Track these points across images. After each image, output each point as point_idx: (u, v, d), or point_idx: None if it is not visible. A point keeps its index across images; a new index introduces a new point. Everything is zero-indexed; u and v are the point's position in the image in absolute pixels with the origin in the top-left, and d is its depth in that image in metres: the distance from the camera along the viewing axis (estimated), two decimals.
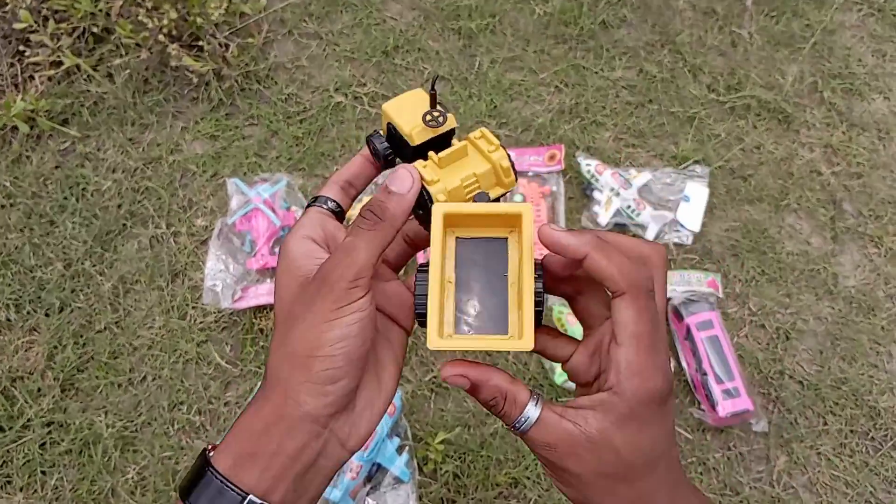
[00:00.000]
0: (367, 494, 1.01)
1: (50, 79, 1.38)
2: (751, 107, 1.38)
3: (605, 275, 0.37)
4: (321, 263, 0.39)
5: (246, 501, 0.36)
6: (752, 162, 1.32)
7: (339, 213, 0.44)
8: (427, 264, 0.40)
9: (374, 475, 1.01)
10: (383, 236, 0.39)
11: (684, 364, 1.11)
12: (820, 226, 1.26)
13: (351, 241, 0.38)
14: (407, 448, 1.03)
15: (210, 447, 0.39)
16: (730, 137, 1.35)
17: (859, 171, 1.31)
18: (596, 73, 1.42)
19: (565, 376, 1.07)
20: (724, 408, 1.03)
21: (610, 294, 0.38)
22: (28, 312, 1.16)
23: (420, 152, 0.43)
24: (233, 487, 0.36)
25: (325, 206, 0.44)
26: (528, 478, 1.04)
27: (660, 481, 0.38)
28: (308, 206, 0.44)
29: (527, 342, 0.38)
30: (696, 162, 1.30)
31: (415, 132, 0.43)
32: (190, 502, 0.36)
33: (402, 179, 0.40)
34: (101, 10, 1.38)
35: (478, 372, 0.39)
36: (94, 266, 1.20)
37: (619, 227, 1.24)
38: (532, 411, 0.38)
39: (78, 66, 1.38)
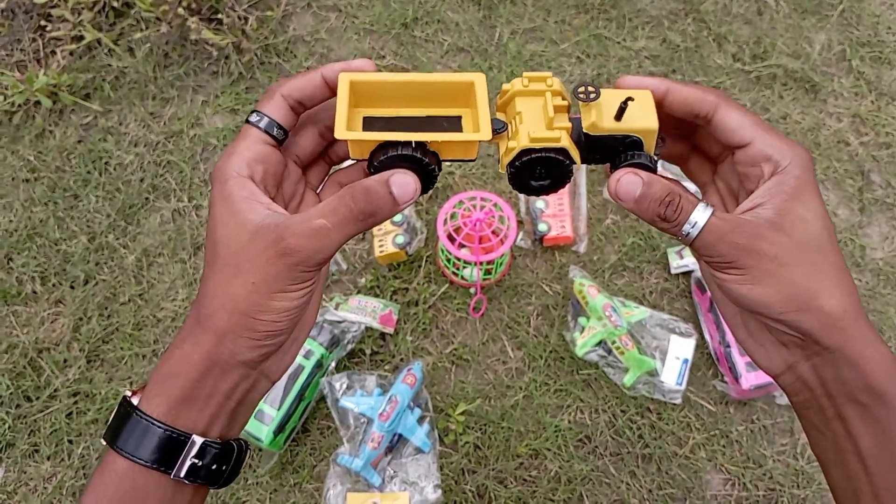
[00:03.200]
0: (388, 464, 1.01)
1: (72, 53, 1.39)
2: (777, 76, 1.35)
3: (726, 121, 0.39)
4: (284, 227, 0.37)
5: (189, 442, 0.38)
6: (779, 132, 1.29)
7: (283, 140, 0.41)
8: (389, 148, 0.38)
9: (395, 445, 1.02)
10: (360, 230, 0.38)
11: (707, 337, 1.10)
12: (847, 197, 1.23)
13: (327, 227, 0.37)
14: (427, 419, 1.03)
15: (131, 393, 0.40)
16: (755, 107, 1.32)
17: (888, 140, 1.28)
18: (618, 42, 1.39)
19: (587, 348, 1.07)
20: (748, 380, 1.02)
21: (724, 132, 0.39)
22: (53, 285, 1.17)
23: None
24: (174, 430, 0.38)
25: (267, 132, 0.40)
26: (549, 449, 1.04)
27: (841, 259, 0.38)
28: (247, 121, 0.41)
29: (484, 132, 0.38)
30: None
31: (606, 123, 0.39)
32: (123, 449, 0.38)
33: (408, 187, 0.38)
34: None
35: (647, 174, 0.38)
36: (117, 239, 1.21)
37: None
38: (703, 212, 0.36)
39: (99, 41, 1.38)
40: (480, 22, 1.42)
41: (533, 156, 0.39)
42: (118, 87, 1.36)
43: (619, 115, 0.38)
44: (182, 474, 0.38)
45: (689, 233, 0.37)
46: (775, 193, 0.37)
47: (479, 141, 0.39)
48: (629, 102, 0.38)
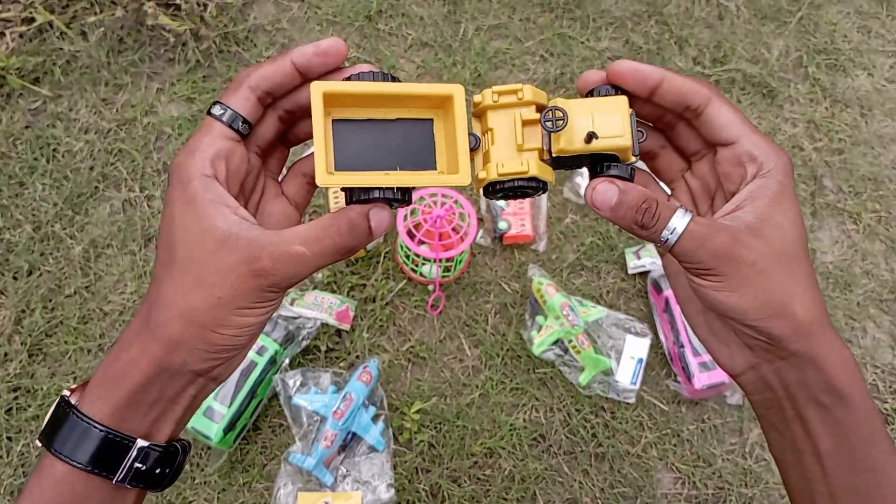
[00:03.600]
0: (341, 463, 1.00)
1: (21, 35, 1.34)
2: (736, 80, 1.37)
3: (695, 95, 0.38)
4: (259, 246, 0.35)
5: (133, 446, 0.37)
6: None
7: (247, 134, 0.39)
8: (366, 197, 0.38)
9: (349, 444, 1.00)
10: (336, 261, 0.37)
11: (662, 337, 1.11)
12: (800, 201, 1.26)
13: (306, 255, 0.36)
14: (382, 417, 1.02)
15: (69, 392, 0.38)
16: None
17: (841, 147, 1.31)
18: (582, 42, 1.40)
19: (543, 347, 1.07)
20: (700, 380, 1.03)
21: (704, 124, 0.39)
22: None
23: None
24: (116, 434, 0.36)
25: (231, 125, 0.38)
26: (504, 448, 1.04)
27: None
28: (209, 112, 0.38)
29: (463, 176, 0.38)
30: None
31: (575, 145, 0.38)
32: (61, 451, 0.36)
33: (383, 222, 0.38)
34: None
35: (623, 182, 0.38)
36: (64, 229, 1.17)
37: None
38: (682, 218, 0.36)
39: (51, 23, 1.33)
40: (445, 17, 1.41)
41: (505, 184, 0.39)
42: (69, 72, 1.31)
43: (588, 139, 0.38)
44: (123, 479, 0.37)
45: (667, 239, 0.36)
46: (757, 197, 0.37)
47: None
48: (601, 112, 0.38)
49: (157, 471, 0.38)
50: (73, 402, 0.37)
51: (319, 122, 0.36)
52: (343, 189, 0.38)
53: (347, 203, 0.38)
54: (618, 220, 0.38)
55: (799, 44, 1.42)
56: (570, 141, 0.38)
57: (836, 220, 1.25)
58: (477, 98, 0.41)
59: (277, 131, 0.41)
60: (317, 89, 0.36)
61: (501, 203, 1.17)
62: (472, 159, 0.40)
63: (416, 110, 0.40)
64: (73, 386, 0.38)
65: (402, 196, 0.38)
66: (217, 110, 0.38)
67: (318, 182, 0.36)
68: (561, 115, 0.37)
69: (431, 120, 0.40)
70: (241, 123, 0.38)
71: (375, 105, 0.39)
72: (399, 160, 0.39)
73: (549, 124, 0.38)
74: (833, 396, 0.37)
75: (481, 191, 0.41)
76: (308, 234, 0.36)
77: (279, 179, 0.44)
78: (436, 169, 0.40)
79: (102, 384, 0.37)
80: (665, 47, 1.40)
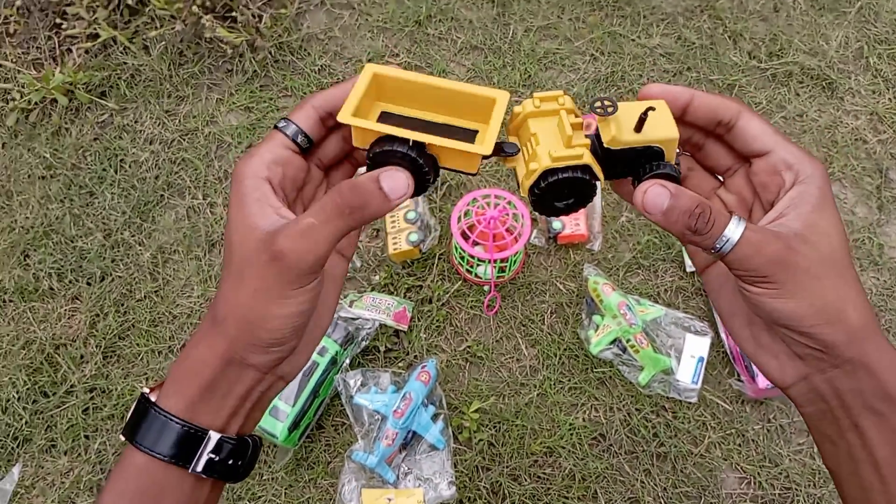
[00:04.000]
0: (402, 461, 1.01)
1: (87, 51, 1.40)
2: (793, 74, 1.34)
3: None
4: (277, 232, 0.36)
5: (207, 437, 0.39)
6: (795, 130, 1.29)
7: (308, 148, 0.41)
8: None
9: (410, 442, 1.02)
10: (349, 226, 0.37)
11: (723, 335, 1.09)
12: (865, 195, 1.22)
13: (314, 225, 0.36)
14: (442, 416, 1.03)
15: (149, 390, 0.41)
16: (771, 105, 1.31)
17: None
18: (633, 40, 1.39)
19: (601, 346, 1.06)
20: (764, 379, 1.01)
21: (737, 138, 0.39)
22: (70, 281, 1.18)
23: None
24: (192, 426, 0.38)
25: (293, 139, 0.40)
26: (563, 447, 1.04)
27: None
28: (275, 126, 0.41)
29: (486, 146, 0.37)
30: None
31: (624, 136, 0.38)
32: (142, 444, 0.38)
33: (398, 182, 0.37)
34: None
35: (674, 186, 0.36)
36: (132, 236, 1.21)
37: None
38: (738, 225, 0.35)
39: (114, 39, 1.39)
40: (494, 19, 1.42)
41: (558, 176, 0.38)
42: (133, 85, 1.37)
43: (638, 127, 0.38)
44: (200, 469, 0.39)
45: (721, 247, 0.35)
46: (799, 203, 0.36)
47: (481, 156, 0.38)
48: (649, 112, 0.38)
49: (231, 462, 0.40)
50: (152, 398, 0.39)
51: (365, 79, 0.39)
52: (366, 156, 0.39)
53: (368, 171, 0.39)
54: (669, 225, 0.36)
55: (859, 34, 1.39)
56: (621, 130, 0.38)
57: None
58: (517, 108, 0.41)
59: (342, 150, 0.43)
60: (368, 70, 0.39)
61: (557, 224, 1.16)
62: (512, 168, 0.41)
63: (463, 120, 0.41)
64: (152, 385, 0.41)
65: (419, 158, 0.37)
66: (281, 124, 0.40)
67: (338, 117, 0.37)
68: (610, 102, 0.38)
69: (476, 132, 0.40)
70: (301, 137, 0.40)
71: (425, 105, 0.40)
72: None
73: (599, 109, 0.38)
74: (889, 403, 0.36)
75: (530, 195, 0.40)
76: (315, 205, 0.37)
77: None
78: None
79: (177, 380, 0.39)
80: (719, 42, 1.38)
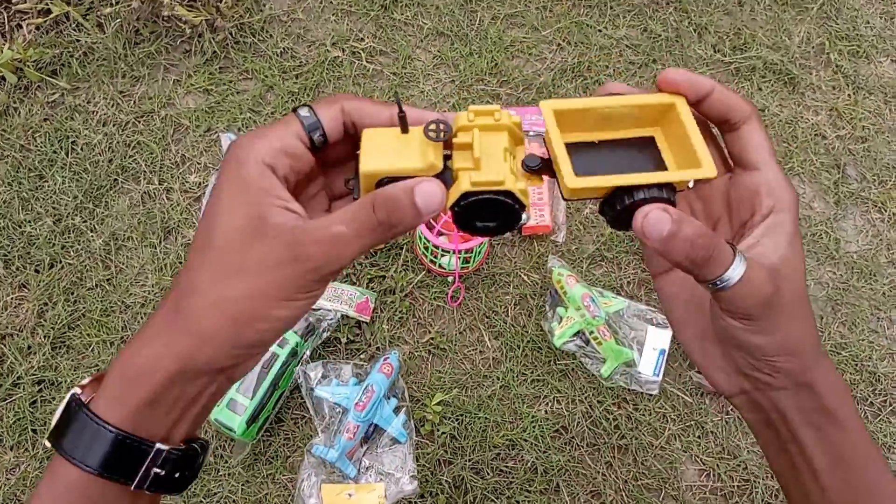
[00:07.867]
0: (364, 455, 1.00)
1: (38, 27, 1.34)
2: (756, 68, 1.35)
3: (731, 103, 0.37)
4: (303, 232, 0.33)
5: (153, 451, 0.35)
6: None
7: (319, 148, 0.37)
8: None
9: (371, 436, 1.00)
10: (380, 241, 0.35)
11: None
12: (823, 190, 1.24)
13: (346, 235, 0.34)
14: (404, 409, 1.02)
15: (80, 389, 0.36)
16: None
17: (864, 135, 1.29)
18: (599, 30, 1.38)
19: (564, 338, 1.06)
20: None
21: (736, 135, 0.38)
22: (17, 268, 1.13)
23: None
24: (134, 438, 0.34)
25: (309, 132, 0.36)
26: (526, 440, 1.03)
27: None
28: (294, 110, 0.37)
29: (707, 168, 0.35)
30: None
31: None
32: (72, 454, 0.34)
33: (432, 197, 0.34)
34: None
35: (676, 212, 0.34)
36: (84, 222, 1.17)
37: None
38: (740, 263, 0.34)
39: (67, 15, 1.33)
40: (461, 6, 1.40)
41: (478, 198, 0.36)
42: (86, 64, 1.31)
43: (404, 128, 0.36)
44: (145, 486, 0.35)
45: (722, 284, 0.34)
46: (776, 234, 0.36)
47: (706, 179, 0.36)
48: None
49: (177, 475, 0.37)
50: (84, 399, 0.35)
51: (557, 135, 0.36)
52: (600, 209, 0.37)
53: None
54: (667, 253, 0.34)
55: (821, 30, 1.40)
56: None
57: (861, 209, 1.23)
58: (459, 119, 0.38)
59: (347, 153, 0.40)
60: (546, 107, 0.37)
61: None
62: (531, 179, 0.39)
63: (635, 129, 0.39)
64: (85, 382, 0.36)
65: (666, 194, 0.35)
66: (304, 112, 0.37)
67: (567, 185, 0.34)
68: (444, 126, 0.35)
69: (653, 137, 0.39)
70: (318, 134, 0.37)
71: (592, 126, 0.38)
72: (629, 169, 0.37)
73: (431, 133, 0.35)
74: (828, 418, 0.38)
75: (451, 212, 0.37)
76: (345, 212, 0.34)
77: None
78: (667, 170, 0.38)
79: (120, 383, 0.35)
80: (684, 35, 1.38)
